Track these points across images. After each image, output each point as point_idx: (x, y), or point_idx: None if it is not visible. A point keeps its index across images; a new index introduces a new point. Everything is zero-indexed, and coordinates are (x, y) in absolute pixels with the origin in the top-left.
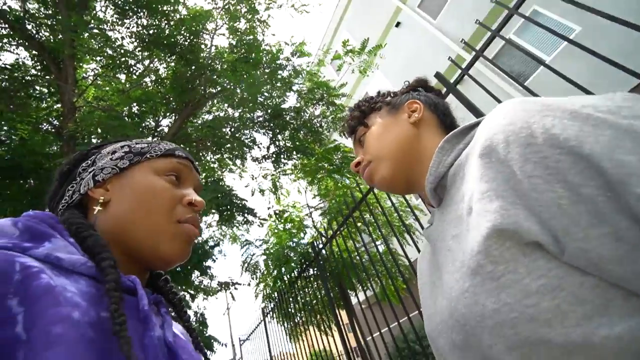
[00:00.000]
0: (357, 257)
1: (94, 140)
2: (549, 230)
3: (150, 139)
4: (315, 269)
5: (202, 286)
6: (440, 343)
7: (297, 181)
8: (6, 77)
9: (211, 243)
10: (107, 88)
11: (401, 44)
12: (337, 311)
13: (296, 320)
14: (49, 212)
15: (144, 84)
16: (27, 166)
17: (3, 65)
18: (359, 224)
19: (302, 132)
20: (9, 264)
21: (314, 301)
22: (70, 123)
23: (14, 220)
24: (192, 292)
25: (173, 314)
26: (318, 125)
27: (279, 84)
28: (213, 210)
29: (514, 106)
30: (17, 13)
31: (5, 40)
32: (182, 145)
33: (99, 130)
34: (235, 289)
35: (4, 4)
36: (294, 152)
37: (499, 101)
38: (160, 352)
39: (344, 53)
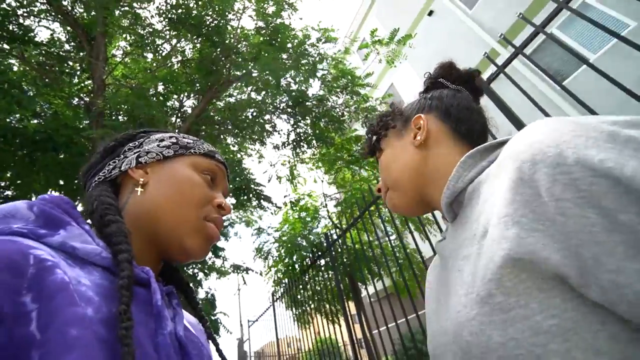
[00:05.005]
0: (370, 251)
1: (120, 118)
2: (575, 258)
3: (178, 120)
4: (328, 259)
5: (214, 266)
6: None
7: (314, 170)
8: (43, 52)
9: (225, 223)
10: (135, 67)
11: (432, 35)
12: (345, 302)
13: (304, 307)
14: (64, 197)
15: (170, 64)
16: (58, 139)
17: (40, 41)
18: (374, 218)
19: (323, 120)
20: (23, 256)
21: (323, 291)
22: (99, 99)
23: (30, 204)
24: (206, 271)
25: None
26: (340, 114)
27: (303, 70)
28: (231, 194)
29: (545, 124)
30: None
31: (42, 15)
32: (203, 127)
33: (126, 108)
34: (247, 273)
35: None
36: (314, 141)
37: (534, 102)
38: (173, 349)
39: (372, 42)
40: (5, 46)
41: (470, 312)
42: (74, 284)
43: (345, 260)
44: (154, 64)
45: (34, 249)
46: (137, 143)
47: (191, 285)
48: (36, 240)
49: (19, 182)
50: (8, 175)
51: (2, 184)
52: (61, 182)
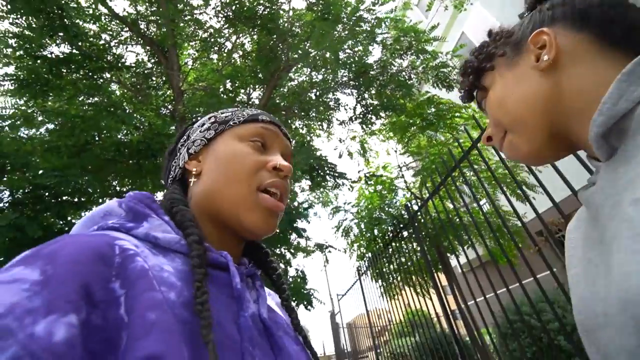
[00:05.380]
0: (457, 219)
1: (199, 119)
2: None
3: (235, 107)
4: (411, 230)
5: (300, 246)
6: (603, 339)
7: (386, 141)
8: (133, 73)
9: (305, 205)
10: (204, 70)
11: None
12: (435, 273)
13: (390, 281)
14: (147, 193)
15: (233, 60)
16: (155, 146)
17: (129, 65)
18: (458, 184)
19: (389, 87)
20: (110, 247)
21: (409, 263)
22: (180, 106)
23: (120, 202)
24: (292, 251)
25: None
26: (407, 77)
27: (361, 37)
28: (306, 176)
29: None
30: (132, 15)
31: (127, 41)
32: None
33: (202, 110)
34: (330, 251)
35: (124, 10)
36: (382, 110)
37: None
38: (256, 330)
39: None
40: (107, 75)
41: None
42: (156, 270)
43: (430, 230)
44: (219, 64)
45: (120, 239)
46: (185, 137)
47: (275, 264)
48: (126, 233)
49: (133, 187)
50: (127, 181)
51: (124, 189)
52: (162, 182)
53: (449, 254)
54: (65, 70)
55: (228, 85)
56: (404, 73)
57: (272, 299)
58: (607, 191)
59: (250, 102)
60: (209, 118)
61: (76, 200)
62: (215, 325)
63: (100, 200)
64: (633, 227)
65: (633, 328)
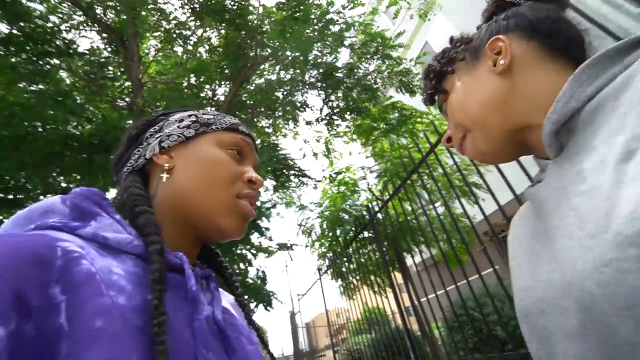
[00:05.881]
0: (414, 221)
1: (176, 114)
2: None
3: (213, 109)
4: (371, 231)
5: (261, 246)
6: (542, 323)
7: (350, 143)
8: (86, 61)
9: (268, 205)
10: (167, 62)
11: None
12: (391, 272)
13: (350, 280)
14: (95, 189)
15: (198, 54)
16: (108, 140)
17: (82, 51)
18: (417, 187)
19: (355, 90)
20: (51, 248)
21: (368, 262)
22: (139, 98)
23: (63, 198)
24: (253, 251)
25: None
26: (373, 81)
27: (330, 40)
28: (270, 176)
29: None
30: None
31: (81, 27)
32: (237, 112)
33: (163, 103)
34: (292, 249)
35: None
36: (348, 113)
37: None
38: (210, 333)
39: None
40: (55, 61)
41: (602, 257)
42: (105, 273)
43: (388, 231)
44: (184, 57)
45: (62, 241)
46: (157, 128)
47: (226, 263)
48: (70, 233)
49: (82, 183)
50: (75, 177)
51: (71, 186)
52: (112, 167)
53: (405, 254)
54: (3, 52)
55: (192, 80)
56: (370, 77)
57: (226, 300)
58: (552, 185)
59: (215, 99)
60: (189, 116)
61: (11, 197)
62: (170, 329)
63: (42, 198)
64: (579, 215)
65: (575, 310)
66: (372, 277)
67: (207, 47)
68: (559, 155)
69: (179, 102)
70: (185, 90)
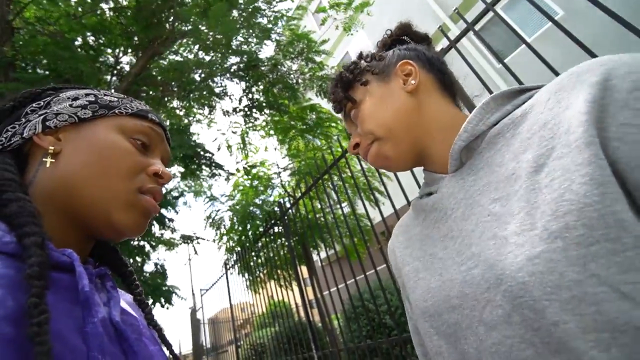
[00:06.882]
0: (322, 219)
1: (39, 70)
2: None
3: (114, 79)
4: (281, 227)
5: (162, 238)
6: (455, 319)
7: (266, 138)
8: None
9: (175, 194)
10: (53, 9)
11: (387, 5)
12: (298, 267)
13: (257, 274)
14: None
15: (100, 11)
16: None
17: None
18: (327, 187)
19: (277, 87)
20: None
21: (276, 257)
22: (7, 47)
23: None
24: (153, 243)
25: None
26: (294, 81)
27: (256, 30)
28: (179, 163)
29: (615, 56)
30: None
31: None
32: (145, 88)
33: (45, 60)
34: (198, 243)
35: None
36: (267, 108)
37: (480, 78)
38: (107, 336)
39: (330, 6)
40: None
41: (532, 250)
42: None
43: (298, 227)
44: (79, 9)
45: None
46: (42, 103)
47: (125, 260)
48: None
49: None
50: None
51: None
52: None
53: (312, 249)
54: None
55: (90, 40)
56: (292, 76)
57: (124, 299)
58: (458, 196)
59: (119, 68)
60: (87, 94)
61: None
62: (55, 339)
63: None
64: (498, 218)
65: (502, 300)
66: (279, 272)
67: (112, 5)
68: (458, 170)
69: (69, 63)
70: (79, 50)
